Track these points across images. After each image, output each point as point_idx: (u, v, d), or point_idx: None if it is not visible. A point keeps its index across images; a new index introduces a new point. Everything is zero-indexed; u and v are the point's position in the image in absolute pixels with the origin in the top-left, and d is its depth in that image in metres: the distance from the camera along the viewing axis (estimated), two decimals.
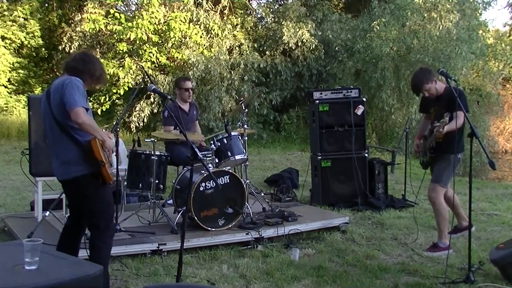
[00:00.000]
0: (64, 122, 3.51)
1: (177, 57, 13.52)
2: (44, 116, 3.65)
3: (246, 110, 6.16)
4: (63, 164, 3.59)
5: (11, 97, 14.10)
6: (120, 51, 13.05)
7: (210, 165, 5.33)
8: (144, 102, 13.12)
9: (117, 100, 13.63)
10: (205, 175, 4.98)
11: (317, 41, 13.72)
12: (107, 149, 3.63)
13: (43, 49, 14.94)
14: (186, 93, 6.17)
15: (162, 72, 13.66)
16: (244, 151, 5.66)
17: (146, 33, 12.87)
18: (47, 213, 4.97)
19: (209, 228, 5.01)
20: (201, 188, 5.01)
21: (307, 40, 13.41)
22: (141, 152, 5.37)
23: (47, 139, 3.81)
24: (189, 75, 12.20)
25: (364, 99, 7.11)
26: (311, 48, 13.70)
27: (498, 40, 16.82)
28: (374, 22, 12.50)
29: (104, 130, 3.84)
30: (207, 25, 13.88)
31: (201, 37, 13.66)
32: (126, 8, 15.33)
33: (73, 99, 3.41)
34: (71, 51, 13.53)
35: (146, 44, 13.19)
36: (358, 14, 14.38)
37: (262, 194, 6.56)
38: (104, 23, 12.99)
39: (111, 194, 3.86)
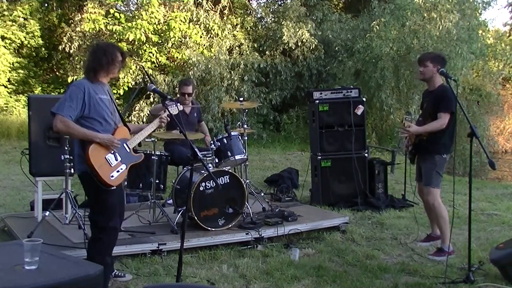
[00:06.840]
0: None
1: (177, 57, 13.52)
2: None
3: (246, 110, 6.16)
4: (75, 158, 3.82)
5: (11, 97, 14.07)
6: None
7: (210, 165, 5.32)
8: (143, 102, 13.12)
9: (117, 100, 13.53)
10: (205, 175, 4.98)
11: (317, 41, 13.71)
12: (111, 150, 3.67)
13: (43, 49, 14.91)
14: (182, 97, 6.04)
15: (162, 72, 13.66)
16: (244, 151, 5.67)
17: (145, 34, 12.86)
18: (47, 213, 4.97)
19: (209, 228, 5.01)
20: (201, 188, 5.01)
21: (307, 40, 13.41)
22: (141, 152, 5.35)
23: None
24: (191, 79, 12.14)
25: (364, 99, 7.11)
26: (311, 48, 13.70)
27: (498, 40, 16.83)
28: (374, 22, 12.49)
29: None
30: (207, 25, 13.88)
31: (201, 37, 13.65)
32: (126, 8, 15.32)
33: (57, 105, 3.55)
34: (71, 51, 13.55)
35: (146, 44, 13.18)
36: (358, 14, 14.38)
37: (262, 194, 6.55)
38: (104, 23, 12.98)
39: (116, 196, 3.75)
